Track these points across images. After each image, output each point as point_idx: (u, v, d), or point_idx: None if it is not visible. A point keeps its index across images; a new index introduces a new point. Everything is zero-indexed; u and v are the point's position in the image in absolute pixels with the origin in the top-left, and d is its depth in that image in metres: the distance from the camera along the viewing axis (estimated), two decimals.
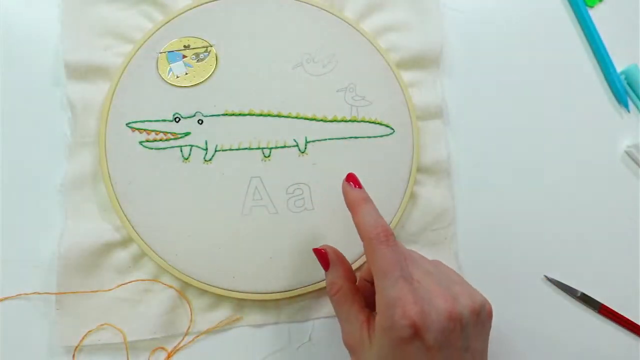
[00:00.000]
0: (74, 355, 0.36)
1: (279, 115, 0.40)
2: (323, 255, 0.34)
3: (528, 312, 0.42)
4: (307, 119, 0.41)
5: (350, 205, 0.32)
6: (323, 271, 0.34)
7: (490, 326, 0.31)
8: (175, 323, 0.38)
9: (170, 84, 0.40)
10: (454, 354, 0.29)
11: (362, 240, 0.31)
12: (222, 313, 0.38)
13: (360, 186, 0.33)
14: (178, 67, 0.40)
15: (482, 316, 0.30)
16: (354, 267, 0.39)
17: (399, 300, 0.28)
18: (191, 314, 0.38)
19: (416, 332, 0.27)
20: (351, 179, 0.33)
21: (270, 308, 0.39)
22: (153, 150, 0.38)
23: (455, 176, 0.43)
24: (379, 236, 0.30)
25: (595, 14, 0.47)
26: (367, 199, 0.32)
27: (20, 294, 0.36)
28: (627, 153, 0.46)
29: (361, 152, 0.41)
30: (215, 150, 0.39)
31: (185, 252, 0.38)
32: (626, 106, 0.47)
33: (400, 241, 0.34)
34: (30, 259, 0.37)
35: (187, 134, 0.39)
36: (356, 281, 0.33)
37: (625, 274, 0.44)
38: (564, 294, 0.42)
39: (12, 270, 0.37)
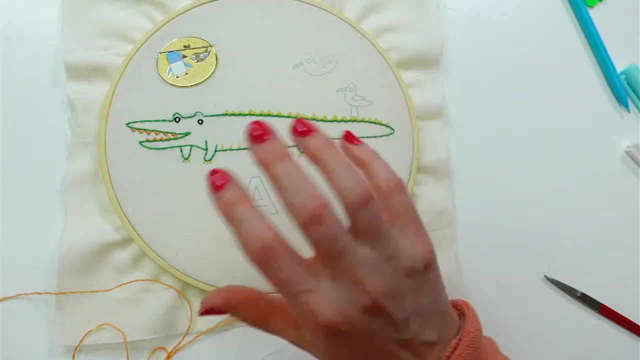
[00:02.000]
0: (74, 355, 0.36)
1: (279, 115, 0.40)
2: (209, 313, 0.30)
3: (528, 312, 0.42)
4: (307, 119, 0.41)
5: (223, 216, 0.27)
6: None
7: (434, 272, 0.28)
8: (175, 323, 0.38)
9: (170, 84, 0.40)
10: (391, 330, 0.26)
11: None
12: None
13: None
14: (178, 67, 0.40)
15: (417, 272, 0.27)
16: None
17: (309, 313, 0.25)
18: (191, 314, 0.38)
19: (337, 331, 0.25)
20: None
21: None
22: (153, 150, 0.38)
23: (455, 176, 0.43)
24: (256, 255, 0.26)
25: (595, 14, 0.47)
26: (240, 202, 0.27)
27: (21, 294, 0.36)
28: (627, 153, 0.46)
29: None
30: (215, 150, 0.39)
31: (185, 252, 0.38)
32: (626, 106, 0.47)
33: None
34: (31, 258, 0.37)
35: (187, 134, 0.39)
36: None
37: (625, 274, 0.44)
38: (564, 294, 0.42)
39: (12, 270, 0.37)
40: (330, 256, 0.26)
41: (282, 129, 0.40)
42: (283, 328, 0.30)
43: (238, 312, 0.30)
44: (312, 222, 0.26)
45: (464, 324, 0.28)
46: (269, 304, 0.30)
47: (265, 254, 0.26)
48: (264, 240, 0.26)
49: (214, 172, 0.28)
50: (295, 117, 0.40)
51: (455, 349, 0.27)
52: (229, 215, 0.27)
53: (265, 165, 0.27)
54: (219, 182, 0.27)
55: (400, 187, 0.28)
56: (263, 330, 0.30)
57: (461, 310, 0.30)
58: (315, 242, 0.26)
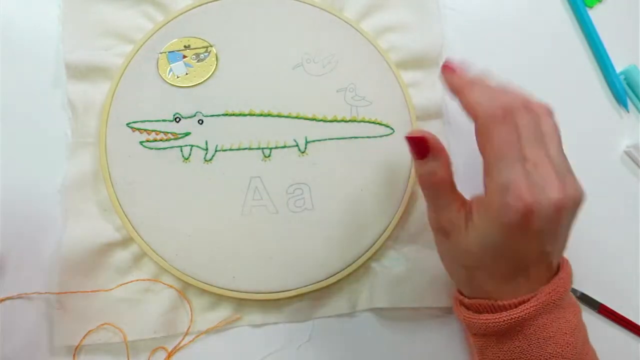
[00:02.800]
0: (74, 355, 0.36)
1: (279, 115, 0.40)
2: (421, 142, 0.32)
3: None
4: (307, 119, 0.41)
5: (456, 91, 0.32)
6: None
7: (578, 211, 0.31)
8: (176, 323, 0.38)
9: (170, 84, 0.40)
10: (550, 238, 0.29)
11: (475, 120, 0.30)
12: (222, 313, 0.38)
13: (456, 69, 0.33)
14: (178, 67, 0.40)
15: (580, 202, 0.30)
16: (366, 255, 0.39)
17: (514, 183, 0.28)
18: (191, 314, 0.38)
19: (526, 218, 0.27)
20: (447, 67, 0.33)
21: (270, 308, 0.39)
22: (153, 150, 0.38)
23: (455, 176, 0.43)
24: (495, 115, 0.29)
25: (595, 15, 0.47)
26: (473, 81, 0.32)
27: (21, 294, 0.36)
28: (627, 153, 0.46)
29: (361, 152, 0.41)
30: (216, 150, 0.39)
31: (185, 252, 0.38)
32: (625, 106, 0.47)
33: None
34: (31, 258, 0.37)
35: (187, 134, 0.39)
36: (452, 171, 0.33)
37: (625, 274, 0.44)
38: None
39: (13, 270, 0.37)
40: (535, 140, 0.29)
41: (282, 128, 0.40)
42: (451, 201, 0.32)
43: (439, 159, 0.32)
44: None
45: (562, 266, 0.32)
46: (451, 175, 0.33)
47: (504, 112, 0.30)
48: (504, 103, 0.30)
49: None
50: (295, 117, 0.40)
51: (559, 280, 0.31)
52: (459, 85, 0.32)
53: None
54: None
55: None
56: (434, 193, 0.32)
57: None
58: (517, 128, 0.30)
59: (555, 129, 0.32)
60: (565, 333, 0.30)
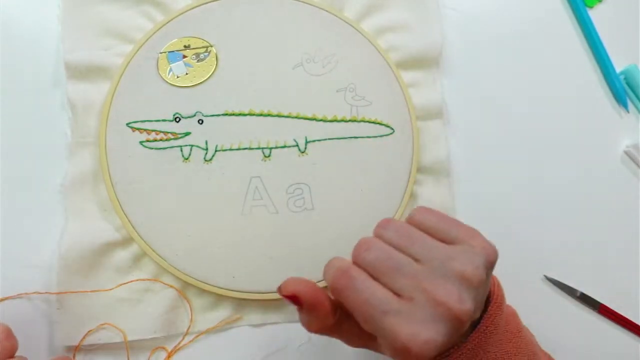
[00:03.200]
0: (74, 355, 0.36)
1: (279, 115, 0.40)
2: (292, 298, 0.28)
3: (528, 312, 0.42)
4: (307, 119, 0.41)
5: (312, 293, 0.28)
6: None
7: (493, 268, 0.29)
8: (176, 323, 0.38)
9: (170, 84, 0.40)
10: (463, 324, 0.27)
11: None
12: (222, 313, 0.38)
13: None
14: (178, 67, 0.40)
15: (486, 273, 0.28)
16: None
17: (396, 341, 0.25)
18: (191, 314, 0.38)
19: (422, 355, 0.25)
20: (285, 293, 0.28)
21: (270, 308, 0.39)
22: (153, 150, 0.38)
23: (455, 176, 0.43)
24: (334, 288, 0.27)
25: (595, 15, 0.47)
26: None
27: (21, 294, 0.36)
28: (627, 153, 0.46)
29: (361, 152, 0.41)
30: (216, 150, 0.39)
31: (185, 252, 0.38)
32: (625, 106, 0.47)
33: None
34: (31, 258, 0.37)
35: (187, 133, 0.39)
36: (334, 311, 0.29)
37: (625, 274, 0.44)
38: (564, 293, 0.43)
39: (13, 270, 0.37)
40: (393, 271, 0.27)
41: (282, 128, 0.40)
42: (356, 337, 0.29)
43: (318, 314, 0.28)
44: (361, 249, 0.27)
45: (492, 291, 0.30)
46: (341, 312, 0.29)
47: (342, 277, 0.27)
48: (342, 267, 0.27)
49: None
50: (295, 117, 0.40)
51: (490, 313, 0.29)
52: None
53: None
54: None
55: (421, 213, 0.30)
56: (330, 336, 0.30)
57: None
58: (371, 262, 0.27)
59: (404, 225, 0.29)
60: None
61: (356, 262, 0.28)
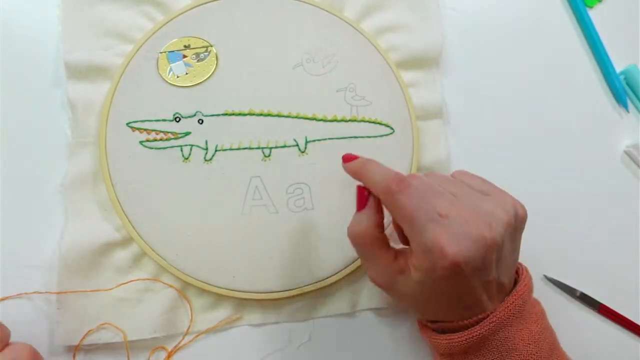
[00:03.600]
0: (74, 355, 0.36)
1: (279, 115, 0.40)
2: (362, 196, 0.33)
3: None
4: (307, 118, 0.41)
5: (356, 175, 0.33)
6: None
7: (523, 229, 0.33)
8: (176, 322, 0.38)
9: (170, 83, 0.40)
10: (488, 270, 0.30)
11: (379, 195, 0.31)
12: (222, 313, 0.38)
13: (356, 157, 0.34)
14: (178, 67, 0.40)
15: (515, 224, 0.31)
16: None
17: (434, 243, 0.28)
18: (191, 314, 0.38)
19: (457, 270, 0.28)
20: (347, 157, 0.35)
21: (270, 308, 0.39)
22: (153, 150, 0.38)
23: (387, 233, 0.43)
24: (390, 188, 0.30)
25: (595, 14, 0.47)
26: (367, 161, 0.33)
27: (21, 294, 0.36)
28: (627, 153, 0.46)
29: (361, 152, 0.40)
30: (216, 150, 0.39)
31: (185, 251, 0.38)
32: (625, 106, 0.47)
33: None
34: (31, 258, 0.37)
35: (187, 133, 0.39)
36: (383, 227, 0.33)
37: (625, 273, 0.44)
38: (564, 293, 0.43)
39: (13, 269, 0.37)
40: (434, 194, 0.30)
41: (282, 128, 0.40)
42: (380, 257, 0.32)
43: (370, 216, 0.32)
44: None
45: (520, 277, 0.33)
46: (382, 232, 0.33)
47: (399, 183, 0.30)
48: (400, 175, 0.31)
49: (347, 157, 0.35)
50: (295, 117, 0.40)
51: (518, 290, 0.32)
52: (362, 172, 0.33)
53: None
54: (349, 158, 0.34)
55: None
56: (360, 248, 0.33)
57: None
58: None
59: (441, 177, 0.33)
60: (529, 344, 0.31)
61: (406, 177, 0.31)
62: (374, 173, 0.32)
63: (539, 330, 0.32)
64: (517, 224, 0.31)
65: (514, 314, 0.31)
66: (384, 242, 0.32)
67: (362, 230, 0.32)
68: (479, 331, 0.30)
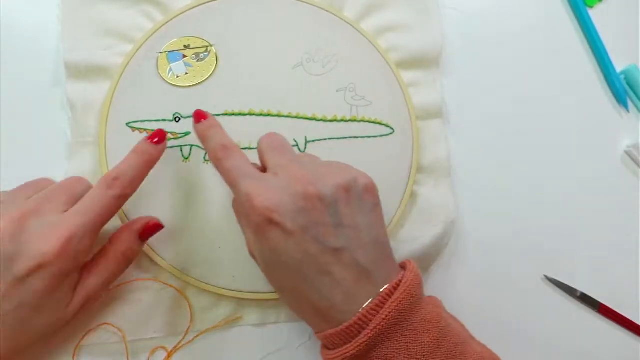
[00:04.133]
0: (74, 355, 0.36)
1: (279, 115, 0.40)
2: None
3: (528, 312, 0.42)
4: (307, 118, 0.41)
5: (200, 138, 0.35)
6: (204, 140, 0.35)
7: (373, 200, 0.30)
8: (175, 322, 0.38)
9: (170, 83, 0.40)
10: (322, 231, 0.28)
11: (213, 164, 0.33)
12: (222, 312, 0.38)
13: (206, 117, 0.35)
14: (178, 66, 0.40)
15: (355, 191, 0.29)
16: None
17: (246, 195, 0.28)
18: (191, 314, 0.38)
19: (270, 220, 0.27)
20: (198, 113, 0.35)
21: (270, 308, 0.39)
22: None
23: (455, 176, 0.43)
24: (216, 155, 0.32)
25: (595, 14, 0.47)
26: (210, 126, 0.34)
27: None
28: (627, 153, 0.46)
29: (361, 152, 0.41)
30: None
31: (185, 251, 0.38)
32: (626, 106, 0.47)
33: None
34: None
35: (187, 133, 0.39)
36: None
37: (625, 274, 0.44)
38: (564, 293, 0.42)
39: None
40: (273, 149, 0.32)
41: (282, 128, 0.40)
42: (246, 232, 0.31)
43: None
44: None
45: (404, 274, 0.29)
46: None
47: (222, 150, 0.32)
48: (225, 142, 0.32)
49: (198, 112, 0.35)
50: (295, 117, 0.40)
51: (391, 293, 0.27)
52: (204, 137, 0.34)
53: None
54: (199, 116, 0.35)
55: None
56: (241, 227, 0.32)
57: (403, 265, 0.31)
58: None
59: (281, 143, 0.33)
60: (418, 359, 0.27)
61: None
62: (211, 139, 0.33)
63: (432, 341, 0.27)
64: (358, 191, 0.29)
65: (394, 324, 0.26)
66: None
67: (234, 199, 0.32)
68: (351, 351, 0.27)
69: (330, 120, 0.41)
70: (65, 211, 0.31)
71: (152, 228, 0.35)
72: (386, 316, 0.27)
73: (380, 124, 0.41)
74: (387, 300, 0.27)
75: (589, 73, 0.47)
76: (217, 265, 0.38)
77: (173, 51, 0.40)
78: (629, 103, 0.47)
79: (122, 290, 0.37)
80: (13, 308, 0.28)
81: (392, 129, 0.42)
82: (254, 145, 0.39)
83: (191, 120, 0.39)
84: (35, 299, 0.29)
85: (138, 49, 0.40)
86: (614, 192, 0.45)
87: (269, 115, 0.40)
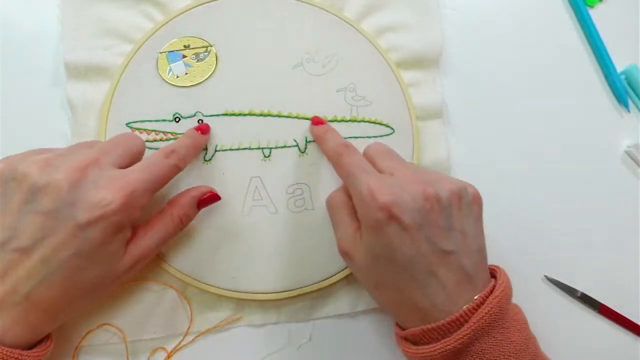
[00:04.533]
0: (74, 355, 0.36)
1: (279, 115, 0.40)
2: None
3: (528, 312, 0.42)
4: (307, 119, 0.41)
5: (317, 139, 0.39)
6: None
7: (479, 210, 0.32)
8: (175, 323, 0.38)
9: (170, 83, 0.40)
10: (435, 232, 0.29)
11: (331, 161, 0.36)
12: (222, 313, 0.38)
13: (323, 122, 0.39)
14: (178, 67, 0.40)
15: (465, 199, 0.31)
16: None
17: (368, 190, 0.30)
18: (191, 314, 0.38)
19: (390, 214, 0.28)
20: (315, 120, 0.40)
21: (270, 308, 0.39)
22: (153, 150, 0.38)
23: (455, 176, 0.43)
24: (337, 151, 0.35)
25: (595, 14, 0.47)
26: (328, 130, 0.38)
27: None
28: (627, 153, 0.46)
29: (361, 152, 0.41)
30: (215, 150, 0.39)
31: (185, 252, 0.38)
32: (626, 106, 0.47)
33: None
34: None
35: None
36: None
37: (625, 274, 0.44)
38: (564, 294, 0.42)
39: None
40: (385, 154, 0.35)
41: (282, 128, 0.40)
42: (349, 221, 0.33)
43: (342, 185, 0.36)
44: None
45: (497, 281, 0.31)
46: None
47: (344, 147, 0.35)
48: (346, 142, 0.36)
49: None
50: (296, 117, 0.40)
51: (488, 294, 0.30)
52: (322, 138, 0.38)
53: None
54: (317, 122, 0.40)
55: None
56: (332, 213, 0.35)
57: (492, 271, 0.33)
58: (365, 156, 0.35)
59: (389, 149, 0.36)
60: (509, 356, 0.29)
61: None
62: (329, 140, 0.37)
63: (521, 340, 0.30)
64: (468, 199, 0.31)
65: (492, 321, 0.29)
66: (353, 209, 0.33)
67: (334, 194, 0.35)
68: (451, 344, 0.29)
69: (331, 121, 0.41)
70: (121, 166, 0.31)
71: (210, 198, 0.36)
72: (486, 313, 0.29)
73: (380, 124, 0.41)
74: (486, 300, 0.29)
75: (589, 73, 0.47)
76: (217, 265, 0.38)
77: (173, 51, 0.40)
78: (630, 103, 0.47)
79: (122, 290, 0.37)
80: (69, 255, 0.28)
81: (392, 129, 0.41)
82: (254, 145, 0.40)
83: (191, 120, 0.39)
84: (93, 248, 0.28)
85: (138, 49, 0.40)
86: (614, 192, 0.45)
87: (269, 115, 0.40)
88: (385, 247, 0.29)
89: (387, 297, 0.32)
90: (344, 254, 0.33)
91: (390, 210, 0.28)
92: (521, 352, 0.29)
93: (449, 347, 0.29)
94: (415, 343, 0.31)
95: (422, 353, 0.30)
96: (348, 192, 0.34)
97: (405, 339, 0.32)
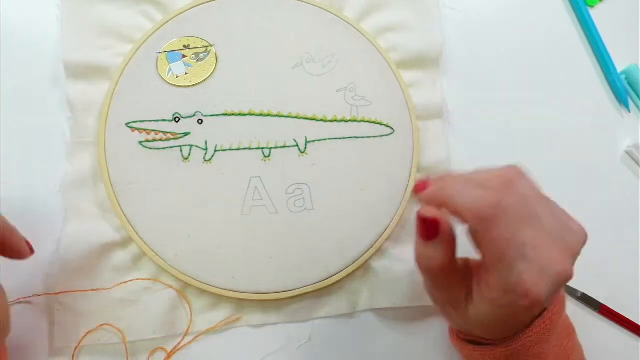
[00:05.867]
0: (73, 355, 0.36)
1: (279, 115, 0.40)
2: (433, 224, 0.29)
3: None
4: (307, 118, 0.41)
5: (436, 203, 0.29)
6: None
7: None
8: (175, 323, 0.37)
9: (170, 83, 0.39)
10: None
11: (466, 223, 0.28)
12: (222, 313, 0.38)
13: (427, 183, 0.31)
14: (178, 66, 0.40)
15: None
16: (366, 255, 0.39)
17: (519, 284, 0.27)
18: (191, 314, 0.38)
19: (535, 306, 0.27)
20: (418, 186, 0.32)
21: (270, 308, 0.39)
22: (153, 150, 0.38)
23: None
24: (484, 216, 0.27)
25: (596, 14, 0.47)
26: (444, 185, 0.30)
27: (20, 299, 0.36)
28: (628, 153, 0.46)
29: (361, 152, 0.41)
30: (215, 150, 0.39)
31: (185, 252, 0.38)
32: (627, 106, 0.47)
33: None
34: (31, 258, 0.37)
35: (186, 133, 0.39)
36: (455, 255, 0.30)
37: (625, 274, 0.44)
38: (564, 294, 0.42)
39: (12, 270, 0.37)
40: (528, 219, 0.28)
41: (282, 128, 0.40)
42: (447, 286, 0.30)
43: (443, 246, 0.29)
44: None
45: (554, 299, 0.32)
46: (453, 259, 0.30)
47: (495, 210, 0.27)
48: (491, 201, 0.27)
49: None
50: (295, 117, 0.40)
51: (552, 308, 0.31)
52: (438, 197, 0.29)
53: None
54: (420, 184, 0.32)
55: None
56: (430, 278, 0.31)
57: None
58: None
59: (533, 187, 0.30)
60: (559, 359, 0.31)
61: (502, 197, 0.27)
62: (460, 196, 0.28)
63: (571, 346, 0.32)
64: (583, 247, 0.31)
65: (550, 329, 0.31)
66: (455, 268, 0.30)
67: (437, 266, 0.29)
68: (514, 346, 0.30)
69: (331, 121, 0.41)
70: None
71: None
72: (545, 321, 0.31)
73: (380, 124, 0.41)
74: (547, 311, 0.31)
75: (589, 73, 0.47)
76: (217, 266, 0.38)
77: (173, 51, 0.40)
78: (630, 103, 0.47)
79: (121, 290, 0.37)
80: None
81: (392, 129, 0.41)
82: (254, 145, 0.40)
83: (191, 120, 0.39)
84: None
85: (138, 49, 0.40)
86: (614, 192, 0.45)
87: (269, 115, 0.40)
88: (504, 320, 0.30)
89: (477, 331, 0.32)
90: (436, 304, 0.33)
91: (538, 303, 0.27)
92: (569, 356, 0.32)
93: (511, 349, 0.31)
94: (472, 342, 0.33)
95: (483, 353, 0.32)
96: (448, 257, 0.29)
97: (463, 339, 0.34)
